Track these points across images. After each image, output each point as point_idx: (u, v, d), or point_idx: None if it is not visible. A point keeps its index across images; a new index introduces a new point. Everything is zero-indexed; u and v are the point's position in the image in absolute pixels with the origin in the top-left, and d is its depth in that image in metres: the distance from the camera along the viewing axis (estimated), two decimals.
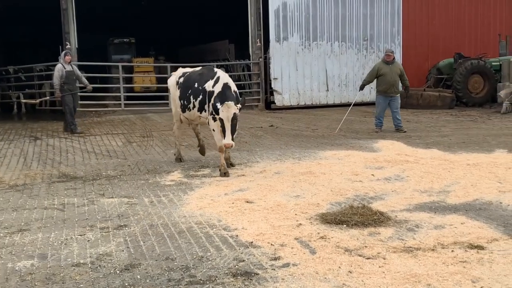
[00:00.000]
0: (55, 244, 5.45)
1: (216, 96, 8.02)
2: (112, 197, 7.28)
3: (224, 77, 8.31)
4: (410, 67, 20.00)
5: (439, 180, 7.47)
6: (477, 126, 13.02)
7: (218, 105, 7.70)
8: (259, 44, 18.94)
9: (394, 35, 20.17)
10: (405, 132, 12.44)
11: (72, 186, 8.00)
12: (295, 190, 7.23)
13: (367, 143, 10.91)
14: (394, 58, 12.74)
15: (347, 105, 19.59)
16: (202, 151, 9.68)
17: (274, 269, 4.57)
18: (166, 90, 20.98)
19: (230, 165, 8.33)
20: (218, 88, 8.10)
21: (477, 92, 17.84)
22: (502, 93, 15.45)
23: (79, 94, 15.03)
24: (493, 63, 18.24)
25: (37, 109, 18.70)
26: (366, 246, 5.00)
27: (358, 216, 5.75)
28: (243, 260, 4.81)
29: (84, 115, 17.64)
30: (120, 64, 19.47)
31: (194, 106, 8.62)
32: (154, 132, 13.71)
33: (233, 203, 6.71)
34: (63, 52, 14.02)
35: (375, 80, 12.87)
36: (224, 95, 8.01)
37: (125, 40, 25.01)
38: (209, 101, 8.20)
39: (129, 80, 22.06)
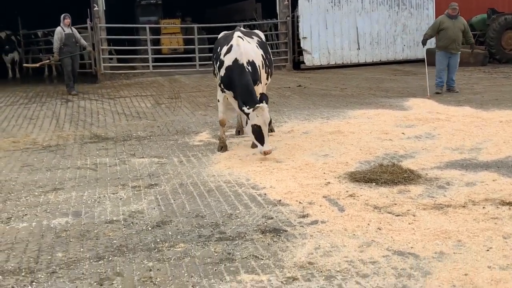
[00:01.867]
0: (88, 202, 5.58)
1: (224, 75, 7.07)
2: (142, 157, 7.39)
3: (238, 47, 7.03)
4: None
5: (470, 138, 7.35)
6: (510, 83, 12.68)
7: (246, 109, 6.70)
8: (286, 2, 18.60)
9: None
10: (457, 92, 11.74)
11: (104, 147, 8.13)
12: (324, 149, 7.20)
13: (397, 102, 10.75)
14: (458, 13, 11.85)
15: (379, 63, 19.30)
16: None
17: (303, 226, 4.60)
18: (193, 51, 21.18)
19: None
20: (228, 61, 7.04)
21: (511, 48, 17.27)
22: None
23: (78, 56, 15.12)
24: None
25: None
26: (395, 204, 4.98)
27: (388, 174, 5.72)
28: (272, 218, 4.85)
29: (113, 77, 17.78)
30: (147, 26, 19.39)
31: (217, 73, 7.46)
32: (182, 93, 13.75)
33: (261, 162, 6.73)
34: (62, 16, 14.10)
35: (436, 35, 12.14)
36: (231, 78, 6.98)
37: (152, 1, 24.83)
38: (218, 70, 7.28)
39: (156, 42, 22.04)
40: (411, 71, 16.50)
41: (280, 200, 5.30)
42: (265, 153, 6.67)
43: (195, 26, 20.10)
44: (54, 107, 12.21)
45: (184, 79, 17.11)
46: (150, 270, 3.95)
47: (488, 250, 3.89)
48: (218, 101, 7.59)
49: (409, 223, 4.50)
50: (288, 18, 18.67)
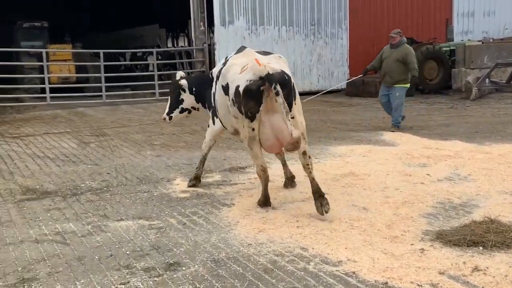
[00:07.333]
0: None
1: None
2: (122, 219, 5.47)
3: None
4: (357, 54, 19.27)
5: (511, 178, 6.39)
6: (466, 114, 12.22)
7: None
8: (202, 28, 17.18)
9: (341, 19, 19.23)
10: (392, 132, 9.98)
11: (52, 206, 6.04)
12: (354, 198, 5.83)
13: (372, 136, 9.67)
14: (400, 41, 10.30)
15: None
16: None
17: None
18: (86, 81, 18.84)
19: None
20: None
21: (432, 78, 17.23)
22: (469, 78, 14.95)
23: None
24: (443, 48, 17.74)
25: None
26: None
27: (493, 234, 4.47)
28: None
29: (0, 111, 15.01)
30: (44, 51, 16.86)
31: None
32: (105, 129, 11.63)
33: (297, 220, 5.20)
34: None
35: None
36: None
37: (36, 24, 21.84)
38: None
39: (43, 70, 19.28)
40: (343, 102, 15.80)
41: (386, 283, 3.81)
42: None
43: (91, 51, 17.79)
44: None
45: (93, 113, 14.85)
46: None
47: None
48: None
49: None
50: (204, 45, 17.22)
